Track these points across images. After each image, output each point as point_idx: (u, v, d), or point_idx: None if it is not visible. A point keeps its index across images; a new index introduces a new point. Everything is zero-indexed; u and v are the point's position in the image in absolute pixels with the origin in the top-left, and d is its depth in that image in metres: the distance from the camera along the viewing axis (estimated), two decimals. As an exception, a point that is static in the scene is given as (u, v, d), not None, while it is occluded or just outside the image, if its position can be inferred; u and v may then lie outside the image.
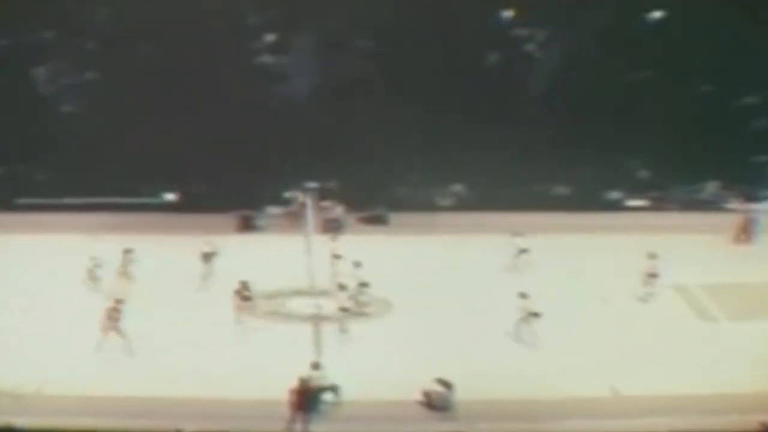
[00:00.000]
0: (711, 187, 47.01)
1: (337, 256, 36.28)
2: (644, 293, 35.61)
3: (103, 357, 30.48)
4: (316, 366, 28.12)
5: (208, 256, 37.00)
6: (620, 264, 37.87)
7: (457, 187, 47.40)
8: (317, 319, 31.41)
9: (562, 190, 47.50)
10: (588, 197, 46.33)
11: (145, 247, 37.43)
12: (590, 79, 46.93)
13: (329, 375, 28.28)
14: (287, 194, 44.27)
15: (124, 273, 36.40)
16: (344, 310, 32.67)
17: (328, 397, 28.03)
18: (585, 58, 47.17)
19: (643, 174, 48.16)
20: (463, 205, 46.49)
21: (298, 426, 26.98)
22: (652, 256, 35.71)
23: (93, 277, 36.19)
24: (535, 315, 32.02)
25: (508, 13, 47.95)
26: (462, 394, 28.16)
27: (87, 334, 31.24)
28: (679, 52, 46.04)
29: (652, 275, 35.48)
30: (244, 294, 32.81)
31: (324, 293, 33.12)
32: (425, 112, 45.25)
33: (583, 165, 46.56)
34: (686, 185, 47.21)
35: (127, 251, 36.75)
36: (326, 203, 42.60)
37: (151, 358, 30.50)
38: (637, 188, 47.54)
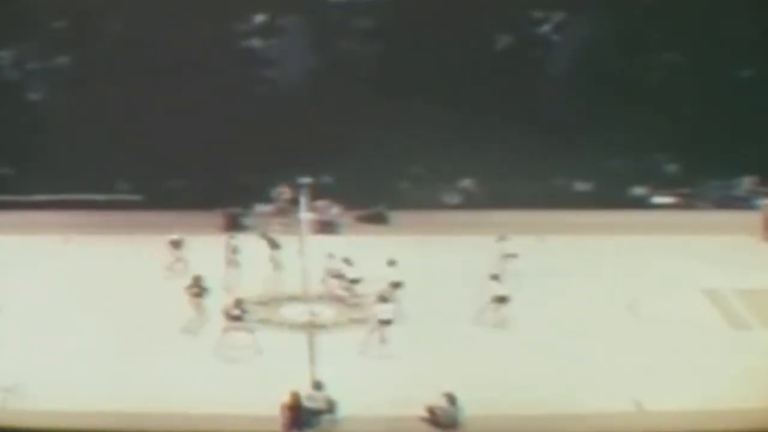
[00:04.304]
0: (746, 183, 47.61)
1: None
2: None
3: (79, 365, 31.14)
4: (317, 386, 28.52)
5: None
6: (646, 267, 38.64)
7: (466, 182, 47.86)
8: (312, 327, 31.96)
9: (582, 185, 48.02)
10: (611, 193, 46.81)
11: (123, 248, 38.08)
12: (613, 63, 47.45)
13: (327, 391, 28.76)
14: (273, 190, 44.82)
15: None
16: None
17: (324, 416, 28.52)
18: (606, 39, 47.72)
19: (672, 168, 48.68)
20: (472, 202, 47.00)
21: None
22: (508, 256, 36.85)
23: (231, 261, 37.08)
24: (502, 299, 33.40)
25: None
26: (470, 409, 28.63)
27: (62, 341, 32.14)
28: (715, 31, 46.54)
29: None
30: (194, 290, 33.65)
31: (319, 299, 33.57)
32: (430, 97, 45.72)
33: (605, 158, 47.12)
34: (719, 180, 47.78)
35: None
36: (320, 203, 43.04)
37: (124, 370, 31.01)
38: (664, 183, 48.01)
